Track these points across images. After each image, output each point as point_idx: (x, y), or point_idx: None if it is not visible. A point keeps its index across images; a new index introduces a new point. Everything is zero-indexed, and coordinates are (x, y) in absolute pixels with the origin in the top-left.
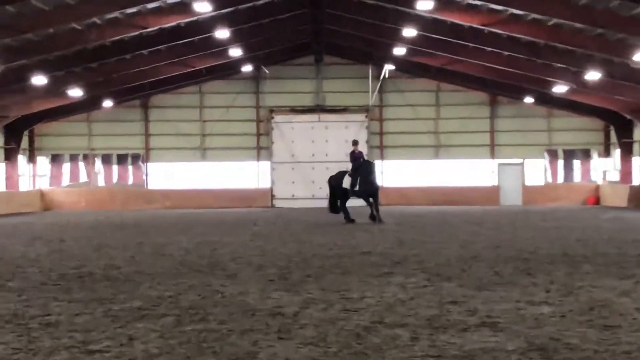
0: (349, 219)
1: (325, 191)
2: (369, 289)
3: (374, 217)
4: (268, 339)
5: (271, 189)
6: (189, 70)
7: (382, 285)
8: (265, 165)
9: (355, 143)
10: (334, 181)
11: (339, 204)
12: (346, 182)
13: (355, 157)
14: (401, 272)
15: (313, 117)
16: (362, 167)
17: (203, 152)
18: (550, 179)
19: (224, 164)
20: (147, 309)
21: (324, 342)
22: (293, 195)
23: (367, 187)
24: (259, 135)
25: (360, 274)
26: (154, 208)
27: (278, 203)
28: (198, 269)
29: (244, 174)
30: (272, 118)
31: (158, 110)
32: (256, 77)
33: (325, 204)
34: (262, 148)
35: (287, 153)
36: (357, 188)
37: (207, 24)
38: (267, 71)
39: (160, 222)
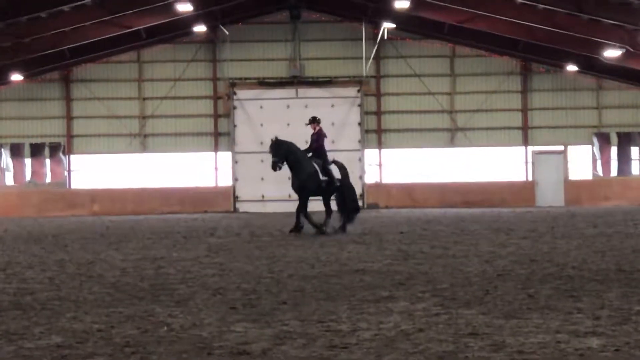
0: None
1: None
2: (363, 318)
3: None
4: None
5: (233, 188)
6: (124, 31)
7: (381, 313)
8: (226, 156)
9: (315, 121)
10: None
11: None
12: (336, 172)
13: (319, 138)
14: (405, 296)
15: (289, 92)
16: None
17: (143, 140)
18: (600, 172)
19: (171, 155)
20: (69, 347)
21: None
22: (262, 197)
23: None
24: (216, 117)
25: (351, 299)
26: (78, 214)
27: (243, 206)
28: (137, 295)
29: (197, 169)
30: (235, 94)
31: (83, 85)
32: (213, 41)
33: None
34: (221, 134)
35: (254, 140)
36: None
37: None
38: (226, 32)
39: (88, 232)
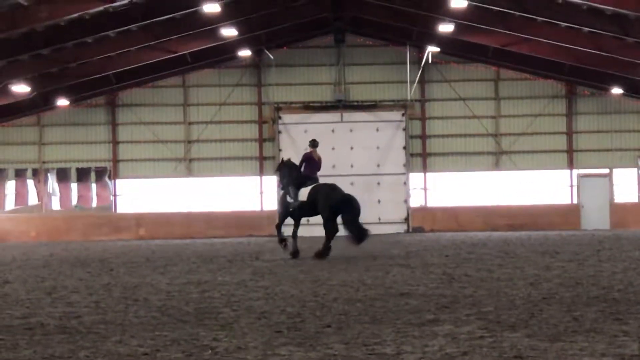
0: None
1: None
2: (408, 341)
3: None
4: None
5: None
6: (170, 56)
7: (425, 336)
8: (271, 180)
9: (314, 144)
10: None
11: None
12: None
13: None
14: (450, 319)
15: (333, 116)
16: (284, 174)
17: (189, 164)
18: None
19: (216, 179)
20: None
21: None
22: (308, 220)
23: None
24: (261, 141)
25: (396, 322)
26: (124, 238)
27: (288, 230)
28: (182, 318)
29: (242, 193)
30: (280, 118)
31: (129, 109)
32: (257, 65)
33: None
34: (266, 158)
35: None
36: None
37: None
38: (271, 56)
39: (133, 256)
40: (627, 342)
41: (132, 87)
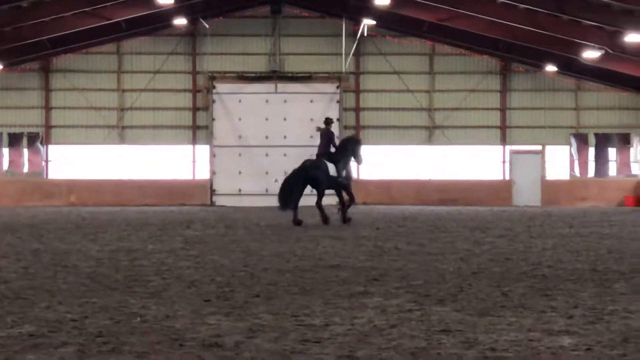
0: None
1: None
2: (337, 313)
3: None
4: None
5: (211, 182)
6: (104, 23)
7: (355, 308)
8: (204, 150)
9: (329, 122)
10: (316, 173)
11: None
12: (332, 170)
13: (329, 136)
14: (380, 292)
15: (268, 86)
16: (349, 147)
17: (122, 131)
18: (577, 173)
19: (149, 147)
20: (41, 336)
21: None
22: (239, 190)
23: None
24: (195, 110)
25: (325, 293)
26: (55, 204)
27: (219, 200)
28: (111, 285)
29: (175, 162)
30: (214, 88)
31: (62, 75)
32: (193, 34)
33: None
34: (199, 127)
35: (232, 134)
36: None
37: None
38: (207, 25)
39: (64, 223)
40: (554, 317)
41: (66, 52)
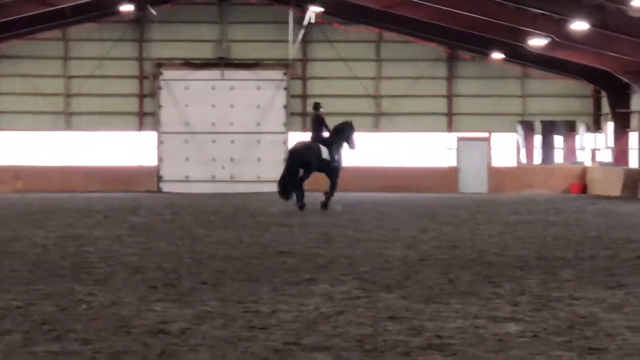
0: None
1: (230, 171)
2: (284, 300)
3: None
4: None
5: (158, 168)
6: (49, 9)
7: (302, 295)
8: (151, 136)
9: (317, 107)
10: (307, 154)
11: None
12: (325, 154)
13: (320, 122)
14: (327, 279)
15: (215, 73)
16: (344, 133)
17: (68, 118)
18: (524, 160)
19: (95, 134)
20: None
21: None
22: (186, 177)
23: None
24: (142, 96)
25: (273, 280)
26: (1, 191)
27: (166, 186)
28: (57, 272)
29: (122, 148)
30: (161, 74)
31: (8, 61)
32: (140, 21)
33: (240, 188)
34: (146, 114)
35: (179, 121)
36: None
37: None
38: (154, 12)
39: (9, 209)
40: (500, 304)
41: (12, 38)
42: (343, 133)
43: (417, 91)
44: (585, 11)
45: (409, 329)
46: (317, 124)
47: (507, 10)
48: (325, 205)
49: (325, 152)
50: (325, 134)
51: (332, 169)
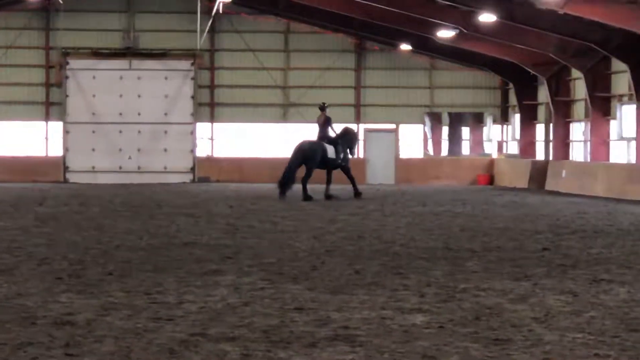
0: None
1: (137, 162)
2: (190, 291)
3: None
4: (52, 356)
5: (64, 159)
6: None
7: (207, 286)
8: (57, 126)
9: (323, 108)
10: (311, 152)
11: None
12: (332, 152)
13: (326, 122)
14: (233, 270)
15: (122, 63)
16: (350, 137)
17: None
18: (431, 151)
19: (1, 123)
20: None
21: (127, 359)
22: (93, 168)
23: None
24: (48, 86)
25: (178, 271)
26: None
27: (73, 177)
28: None
29: (27, 138)
30: (67, 64)
31: None
32: (46, 9)
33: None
34: (52, 104)
35: (86, 111)
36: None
37: None
38: (61, 1)
39: None
40: (407, 295)
41: None
42: (348, 138)
43: (325, 82)
44: (492, 3)
45: (315, 320)
46: (324, 124)
47: (415, 2)
48: (357, 194)
49: (331, 151)
50: (332, 134)
51: (342, 168)
